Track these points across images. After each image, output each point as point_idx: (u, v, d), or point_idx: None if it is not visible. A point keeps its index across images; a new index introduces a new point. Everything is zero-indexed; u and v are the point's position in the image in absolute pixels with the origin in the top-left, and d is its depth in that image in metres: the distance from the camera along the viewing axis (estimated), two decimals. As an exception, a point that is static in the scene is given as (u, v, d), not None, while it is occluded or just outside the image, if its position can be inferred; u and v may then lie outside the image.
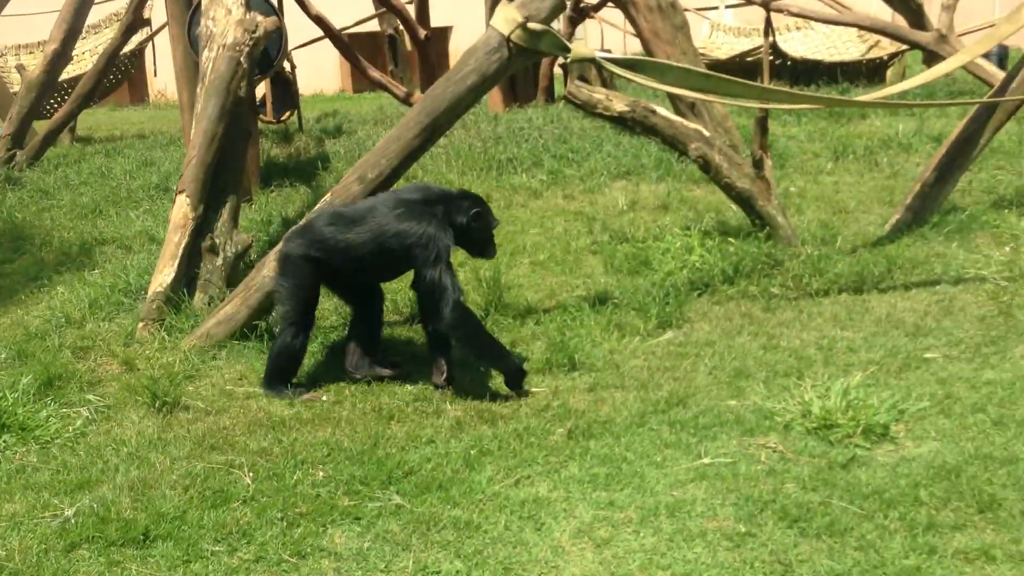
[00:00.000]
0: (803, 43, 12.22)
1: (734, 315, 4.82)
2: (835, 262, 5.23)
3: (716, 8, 12.40)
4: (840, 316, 4.69)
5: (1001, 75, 7.35)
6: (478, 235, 4.22)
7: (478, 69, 4.38)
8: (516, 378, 4.08)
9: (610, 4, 9.09)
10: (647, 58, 5.72)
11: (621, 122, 5.54)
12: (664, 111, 5.55)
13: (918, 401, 3.71)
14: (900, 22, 11.12)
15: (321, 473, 3.44)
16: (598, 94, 5.43)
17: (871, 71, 11.71)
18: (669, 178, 7.04)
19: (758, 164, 5.54)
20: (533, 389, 4.13)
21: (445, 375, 4.19)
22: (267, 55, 6.76)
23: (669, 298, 4.92)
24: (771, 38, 10.71)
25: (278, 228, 6.21)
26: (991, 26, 7.79)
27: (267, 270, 4.60)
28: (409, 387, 4.25)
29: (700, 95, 5.28)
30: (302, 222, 4.36)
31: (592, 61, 4.54)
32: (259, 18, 5.41)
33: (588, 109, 5.42)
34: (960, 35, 10.07)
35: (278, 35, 6.55)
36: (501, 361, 4.12)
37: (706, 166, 5.54)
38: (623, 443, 3.57)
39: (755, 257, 5.31)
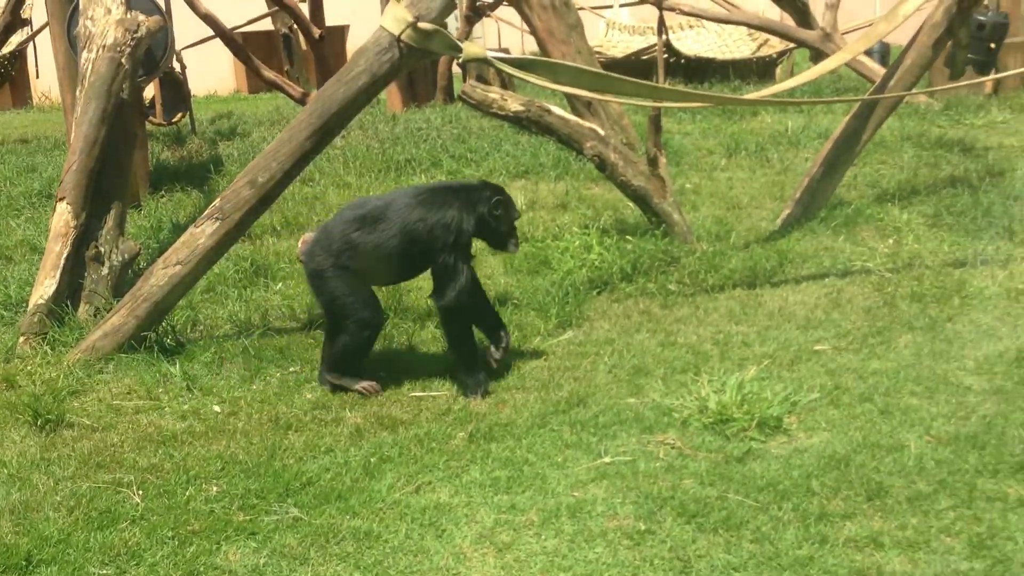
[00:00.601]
0: (696, 41, 12.47)
1: (632, 313, 4.86)
2: (729, 258, 5.33)
3: (611, 7, 12.54)
4: (735, 311, 4.78)
5: (883, 72, 7.62)
6: (500, 225, 4.16)
7: (369, 70, 4.31)
8: (474, 385, 4.03)
9: (506, 3, 9.08)
10: (540, 58, 5.73)
11: (517, 121, 5.55)
12: (559, 110, 5.58)
13: (809, 393, 3.80)
14: (788, 21, 11.47)
15: (215, 488, 3.34)
16: (493, 94, 5.43)
17: (761, 68, 12.02)
18: (567, 177, 7.08)
19: (653, 162, 5.61)
20: (433, 393, 4.09)
21: (503, 348, 4.21)
22: (152, 56, 6.55)
23: (569, 297, 4.95)
24: (665, 37, 10.88)
25: (168, 234, 6.02)
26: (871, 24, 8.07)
27: (155, 279, 4.45)
28: (308, 395, 4.16)
29: (593, 94, 5.31)
30: (315, 235, 4.20)
31: (484, 61, 4.51)
32: (141, 17, 5.23)
33: (483, 109, 5.41)
34: (844, 33, 10.45)
35: (163, 35, 6.34)
36: (471, 361, 4.07)
37: (602, 164, 5.59)
38: (524, 445, 3.57)
39: (652, 254, 5.38)
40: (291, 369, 4.42)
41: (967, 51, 7.59)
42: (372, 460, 3.49)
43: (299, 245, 4.27)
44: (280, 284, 5.45)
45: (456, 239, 3.99)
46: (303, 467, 3.46)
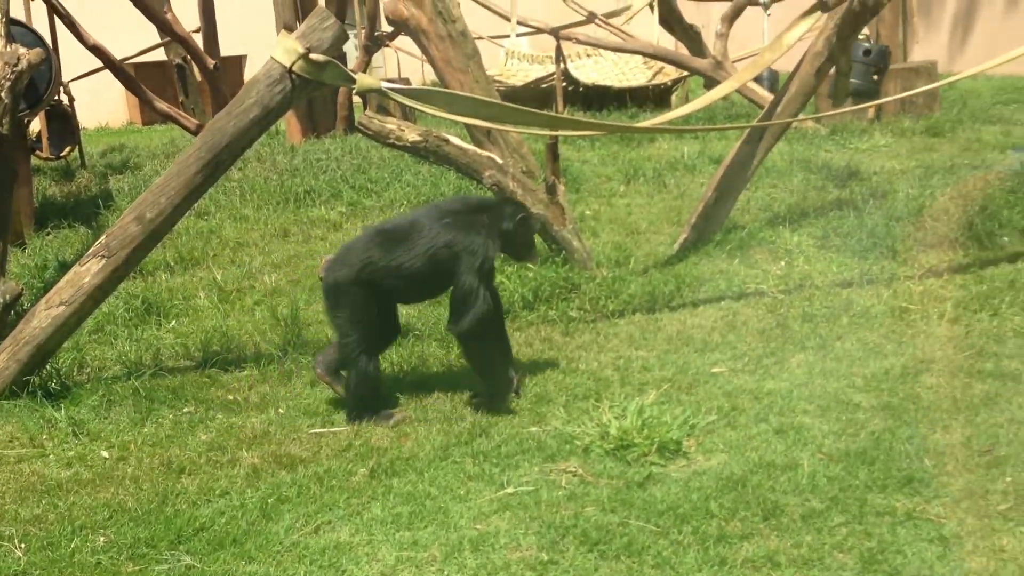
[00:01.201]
0: (594, 70, 12.65)
1: (534, 341, 4.87)
2: (628, 283, 5.39)
3: (509, 36, 12.64)
4: (635, 336, 4.83)
5: (771, 98, 7.86)
6: (522, 240, 4.25)
7: (260, 101, 4.24)
8: (499, 400, 4.07)
9: (404, 33, 9.07)
10: (434, 88, 5.74)
11: (415, 152, 5.53)
12: (457, 140, 5.57)
13: (707, 415, 3.85)
14: (683, 50, 11.76)
15: (102, 538, 3.21)
16: (390, 124, 5.40)
17: (657, 96, 12.26)
18: (468, 205, 7.07)
19: (551, 190, 5.65)
20: (333, 429, 4.02)
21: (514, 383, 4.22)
22: (36, 89, 6.34)
23: (470, 327, 4.92)
24: (563, 65, 11.03)
25: (54, 273, 5.80)
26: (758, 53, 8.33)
27: (37, 321, 4.27)
28: (202, 436, 4.04)
29: (488, 124, 5.33)
30: (338, 251, 4.24)
31: (378, 91, 4.49)
32: (22, 50, 5.06)
33: (381, 139, 5.37)
34: (734, 61, 10.75)
35: (47, 67, 6.14)
36: (496, 379, 4.12)
37: (500, 193, 5.59)
38: (427, 478, 3.53)
39: (553, 282, 5.40)
40: (185, 410, 4.29)
41: (847, 78, 7.88)
42: (270, 501, 3.40)
43: (321, 269, 4.28)
44: (173, 322, 5.30)
45: (482, 264, 4.01)
46: (196, 512, 3.35)
